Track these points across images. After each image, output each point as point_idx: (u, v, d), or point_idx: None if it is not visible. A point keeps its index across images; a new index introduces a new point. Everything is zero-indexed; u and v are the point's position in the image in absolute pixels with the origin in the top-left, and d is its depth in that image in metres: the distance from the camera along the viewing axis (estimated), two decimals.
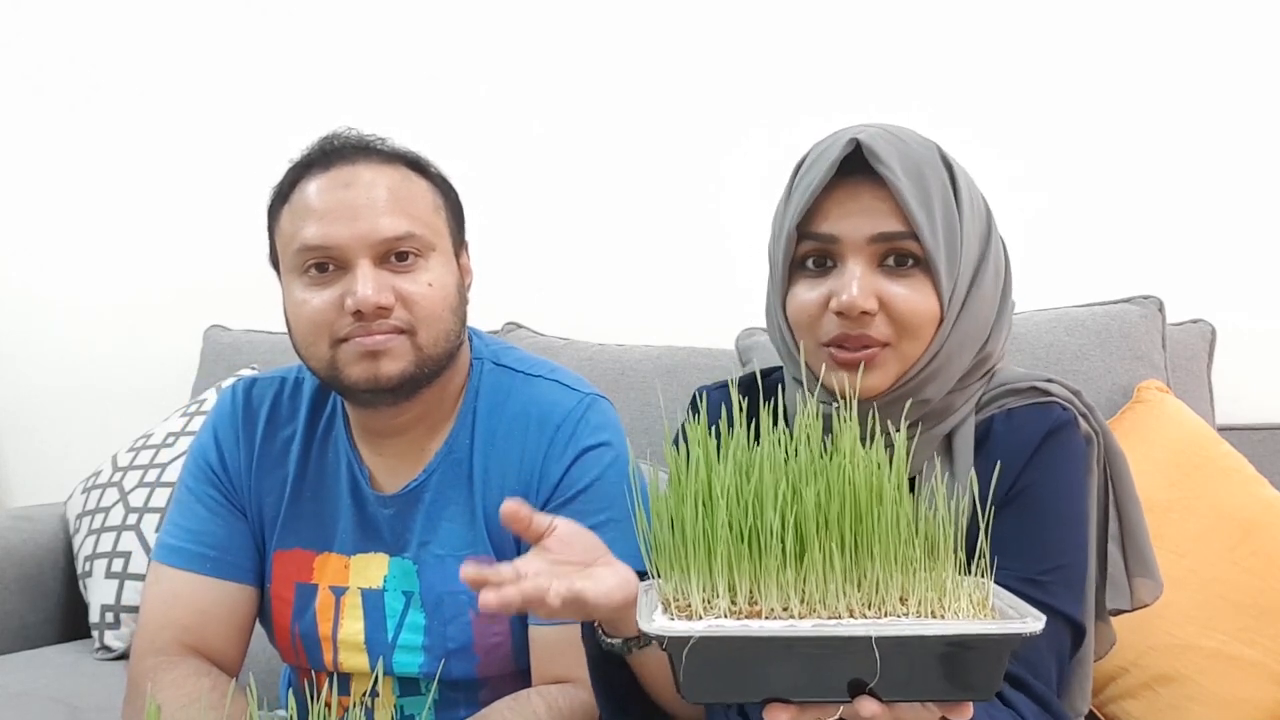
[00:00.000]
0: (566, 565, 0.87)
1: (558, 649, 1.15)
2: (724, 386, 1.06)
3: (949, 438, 1.02)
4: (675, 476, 0.76)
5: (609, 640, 0.93)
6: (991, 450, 1.00)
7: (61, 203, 2.48)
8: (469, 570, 0.84)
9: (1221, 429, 1.59)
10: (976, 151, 1.87)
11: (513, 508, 0.89)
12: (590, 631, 0.95)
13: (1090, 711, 1.40)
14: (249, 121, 2.33)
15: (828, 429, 0.79)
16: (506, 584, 0.81)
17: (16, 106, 2.49)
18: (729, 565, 0.73)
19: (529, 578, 0.82)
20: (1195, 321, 1.73)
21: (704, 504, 0.74)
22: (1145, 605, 1.08)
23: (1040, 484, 0.99)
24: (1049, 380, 1.05)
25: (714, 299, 2.05)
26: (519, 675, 1.21)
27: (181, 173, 2.40)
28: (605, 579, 0.85)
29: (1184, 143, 1.83)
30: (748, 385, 1.09)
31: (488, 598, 0.80)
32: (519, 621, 1.21)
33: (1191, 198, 1.83)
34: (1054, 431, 1.00)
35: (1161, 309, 1.66)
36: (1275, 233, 1.80)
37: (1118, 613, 1.08)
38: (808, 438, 0.75)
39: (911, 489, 0.78)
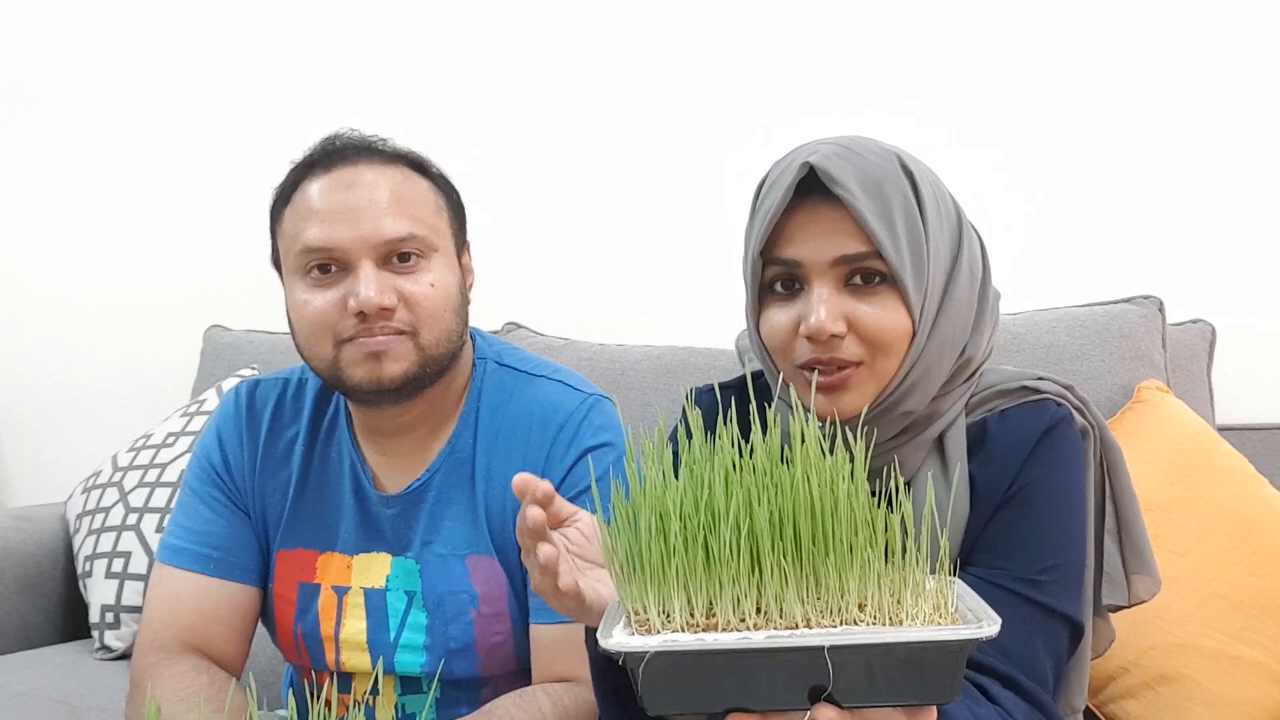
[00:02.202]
0: (580, 560, 0.87)
1: (559, 648, 1.16)
2: (711, 390, 1.06)
3: (940, 439, 1.01)
4: (633, 489, 0.77)
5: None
6: (989, 452, 1.00)
7: (62, 203, 2.47)
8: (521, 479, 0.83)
9: (1221, 429, 1.59)
10: (976, 152, 1.90)
11: (526, 481, 0.84)
12: (593, 634, 0.95)
13: (1090, 711, 1.41)
14: (250, 121, 2.33)
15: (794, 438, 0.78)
16: (545, 533, 0.81)
17: (17, 106, 2.49)
18: (685, 578, 0.73)
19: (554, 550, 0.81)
20: (1195, 321, 1.74)
21: (660, 517, 0.74)
22: (1142, 601, 1.08)
23: (1038, 482, 0.99)
24: (1039, 378, 1.04)
25: (714, 299, 2.04)
26: (520, 675, 1.21)
27: (182, 173, 2.39)
28: (606, 587, 0.84)
29: (1183, 142, 1.83)
30: (740, 386, 1.09)
31: (531, 516, 0.80)
32: (520, 621, 1.21)
33: (1191, 198, 1.83)
34: (1051, 429, 1.00)
35: (1161, 309, 1.66)
36: (1275, 233, 1.80)
37: (1115, 609, 1.08)
38: (766, 450, 0.76)
39: (899, 494, 0.78)
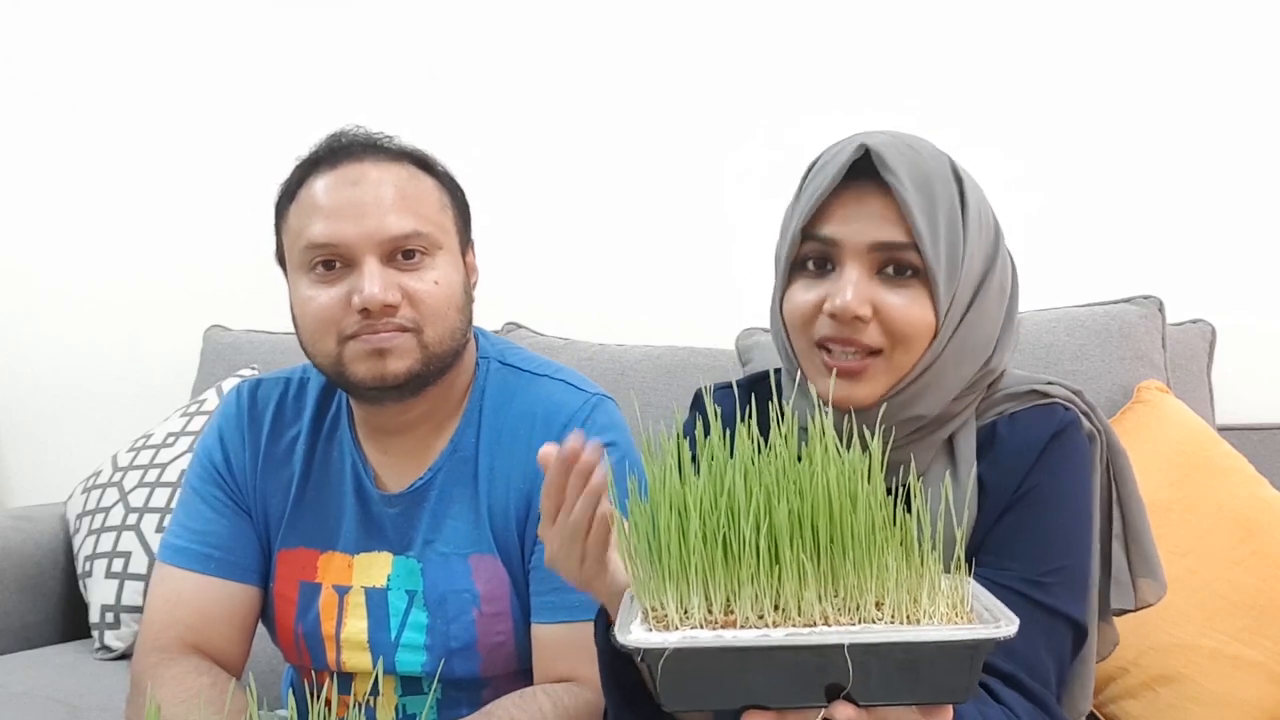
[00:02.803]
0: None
1: (561, 648, 1.16)
2: (727, 387, 1.06)
3: (950, 441, 1.02)
4: (651, 486, 0.77)
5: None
6: (997, 455, 1.01)
7: (62, 203, 2.47)
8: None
9: (1221, 429, 1.59)
10: (976, 151, 1.87)
11: (550, 452, 0.86)
12: (603, 628, 0.95)
13: (1090, 711, 1.41)
14: (250, 121, 2.33)
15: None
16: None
17: (18, 104, 2.49)
18: (704, 575, 0.73)
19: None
20: (1195, 321, 1.74)
21: (679, 514, 0.74)
22: (1149, 605, 1.09)
23: (1045, 485, 0.99)
24: (1049, 382, 1.05)
25: (714, 299, 2.05)
26: (522, 675, 1.21)
27: (182, 173, 2.39)
28: (621, 573, 0.85)
29: (1183, 142, 1.83)
30: (750, 385, 1.09)
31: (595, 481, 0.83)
32: (522, 621, 1.21)
33: (1191, 198, 1.83)
34: (1059, 433, 1.01)
35: (1161, 309, 1.66)
36: (1275, 233, 1.80)
37: (1121, 613, 1.09)
38: (785, 443, 0.76)
39: (909, 493, 0.78)
